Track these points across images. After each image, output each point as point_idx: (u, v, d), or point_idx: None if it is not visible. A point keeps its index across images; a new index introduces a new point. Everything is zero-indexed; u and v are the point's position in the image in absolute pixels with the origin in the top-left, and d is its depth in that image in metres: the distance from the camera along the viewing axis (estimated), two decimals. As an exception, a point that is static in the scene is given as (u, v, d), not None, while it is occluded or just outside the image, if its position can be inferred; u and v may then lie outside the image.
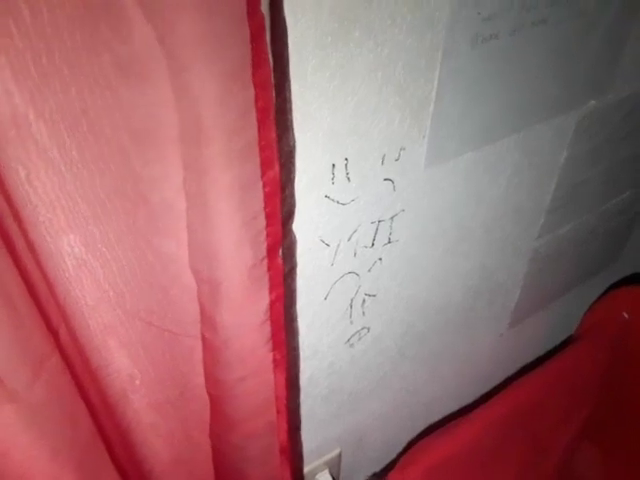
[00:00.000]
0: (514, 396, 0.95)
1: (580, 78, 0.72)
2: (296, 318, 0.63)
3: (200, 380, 0.56)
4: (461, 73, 0.59)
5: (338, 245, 0.64)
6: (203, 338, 0.50)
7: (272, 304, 0.47)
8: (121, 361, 0.50)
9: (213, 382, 0.55)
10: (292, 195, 0.50)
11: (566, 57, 0.68)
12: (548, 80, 0.69)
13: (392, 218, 0.67)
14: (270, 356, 0.52)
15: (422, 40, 0.53)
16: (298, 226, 0.58)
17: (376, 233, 0.67)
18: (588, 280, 1.14)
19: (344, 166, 0.57)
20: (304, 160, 0.53)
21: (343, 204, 0.60)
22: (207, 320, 0.48)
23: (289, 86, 0.42)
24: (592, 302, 1.15)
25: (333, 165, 0.56)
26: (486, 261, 0.87)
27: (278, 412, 0.58)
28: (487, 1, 0.56)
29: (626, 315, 1.04)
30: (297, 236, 0.58)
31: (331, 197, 0.58)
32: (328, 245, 0.63)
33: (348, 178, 0.58)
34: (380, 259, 0.70)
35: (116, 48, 0.31)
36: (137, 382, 0.55)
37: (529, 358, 1.19)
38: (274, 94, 0.35)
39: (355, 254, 0.66)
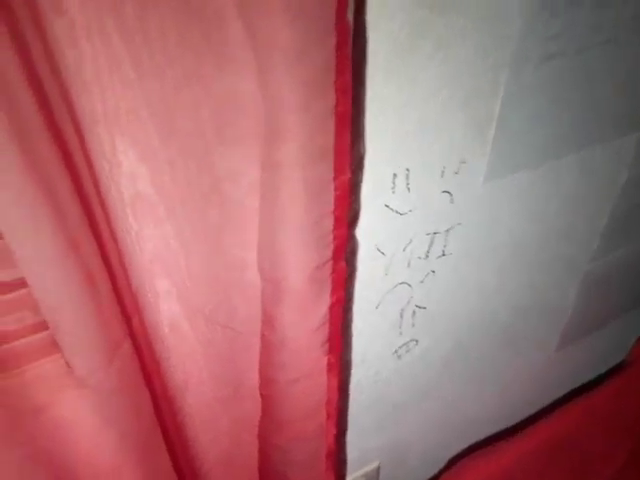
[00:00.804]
0: (559, 423, 0.93)
1: (644, 99, 0.72)
2: (351, 324, 0.64)
3: (254, 379, 0.58)
4: (525, 91, 0.60)
5: (393, 254, 0.64)
6: (262, 336, 0.52)
7: (332, 307, 0.48)
8: (182, 355, 0.52)
9: (266, 382, 0.57)
10: (358, 201, 0.52)
11: (630, 78, 0.68)
12: (610, 101, 0.69)
13: (447, 231, 0.67)
14: (325, 359, 0.53)
15: (488, 58, 0.54)
16: (358, 233, 0.59)
17: (431, 245, 0.67)
18: (641, 307, 1.11)
19: (405, 176, 0.58)
20: (368, 169, 0.54)
21: (401, 214, 0.61)
22: (267, 318, 0.49)
23: (365, 94, 0.44)
24: (645, 330, 1.11)
25: (395, 175, 0.57)
26: (537, 280, 0.87)
27: (328, 416, 0.59)
28: (554, 20, 0.56)
29: (682, 345, 1.01)
30: (358, 243, 0.59)
31: (390, 206, 0.59)
32: (384, 254, 0.63)
33: (408, 188, 0.59)
34: (433, 271, 0.71)
35: (209, 42, 0.33)
36: (194, 378, 0.56)
37: (577, 383, 1.16)
38: (351, 102, 0.37)
39: (409, 265, 0.67)
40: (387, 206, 0.59)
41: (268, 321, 0.50)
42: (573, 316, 0.99)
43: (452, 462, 1.01)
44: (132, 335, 0.46)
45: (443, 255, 0.70)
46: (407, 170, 0.58)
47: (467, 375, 0.92)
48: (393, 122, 0.53)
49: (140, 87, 0.35)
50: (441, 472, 1.00)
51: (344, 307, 0.50)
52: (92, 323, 0.40)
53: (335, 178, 0.40)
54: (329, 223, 0.42)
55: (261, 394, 0.59)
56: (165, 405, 0.56)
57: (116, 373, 0.45)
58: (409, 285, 0.70)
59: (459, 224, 0.68)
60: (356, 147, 0.45)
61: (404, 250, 0.65)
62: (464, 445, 1.07)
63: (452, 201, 0.64)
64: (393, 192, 0.58)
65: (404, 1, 0.46)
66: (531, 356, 1.01)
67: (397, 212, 0.61)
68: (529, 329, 0.95)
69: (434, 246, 0.68)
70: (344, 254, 0.45)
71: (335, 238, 0.43)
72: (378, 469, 0.95)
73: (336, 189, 0.40)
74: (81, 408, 0.43)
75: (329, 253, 0.44)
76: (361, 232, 0.59)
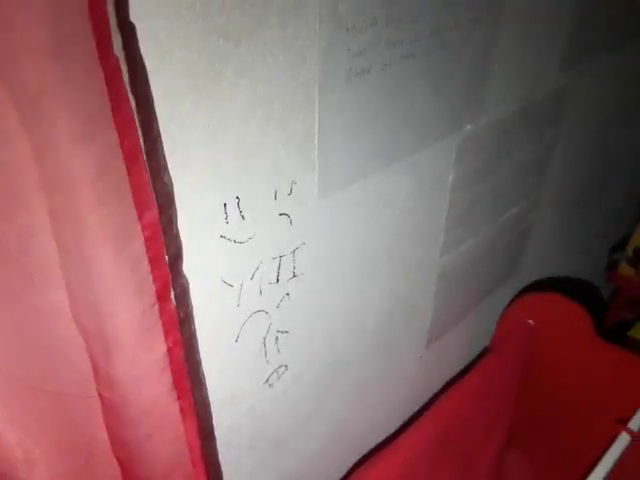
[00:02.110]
0: (438, 415, 0.97)
1: (453, 105, 0.78)
2: (201, 363, 0.61)
3: (105, 443, 0.53)
4: (340, 106, 0.62)
5: (242, 284, 0.63)
6: (101, 397, 0.47)
7: (170, 351, 0.46)
8: (11, 435, 0.46)
9: (120, 444, 0.52)
10: (177, 236, 0.49)
11: (436, 86, 0.73)
12: (423, 109, 0.73)
13: (293, 252, 0.67)
14: (176, 406, 0.50)
15: (296, 77, 0.56)
16: (197, 269, 0.57)
17: (279, 268, 0.67)
18: (495, 291, 1.20)
19: (236, 204, 0.57)
20: (193, 201, 0.52)
21: (241, 242, 0.60)
22: (102, 377, 0.45)
23: (157, 126, 0.42)
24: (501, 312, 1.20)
25: (225, 204, 0.56)
26: (394, 284, 0.90)
27: (194, 465, 0.55)
28: (355, 38, 0.59)
29: (531, 322, 1.10)
30: (197, 279, 0.57)
31: (227, 237, 0.58)
32: (231, 286, 0.62)
33: (242, 216, 0.59)
34: (287, 294, 0.70)
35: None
36: (34, 456, 0.50)
37: (451, 374, 1.22)
38: (141, 135, 0.35)
39: (261, 292, 0.66)
40: (223, 237, 0.58)
41: (103, 378, 0.46)
42: (436, 311, 1.04)
43: (348, 475, 1.01)
44: None
45: (294, 276, 0.69)
46: (237, 198, 0.57)
47: (346, 389, 0.93)
48: (210, 151, 0.51)
49: None
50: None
51: (186, 348, 0.47)
52: None
53: (140, 218, 0.38)
54: (145, 266, 0.40)
55: (117, 457, 0.54)
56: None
57: None
58: (265, 312, 0.68)
59: (304, 243, 0.68)
60: (160, 182, 0.43)
61: (252, 278, 0.64)
62: (357, 457, 1.07)
63: (291, 222, 0.64)
64: (227, 222, 0.57)
65: (196, 31, 0.45)
66: (405, 357, 1.04)
67: (236, 241, 0.60)
68: (398, 332, 0.98)
69: (283, 269, 0.67)
70: (170, 295, 0.43)
71: (155, 280, 0.41)
72: (274, 507, 0.92)
73: (144, 229, 0.38)
74: None
75: (153, 297, 0.42)
76: (201, 268, 0.57)
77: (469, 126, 0.83)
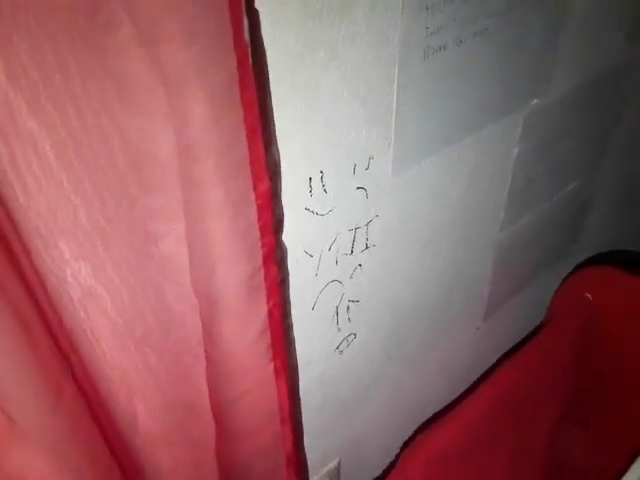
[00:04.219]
0: (496, 386, 0.99)
1: (522, 80, 0.79)
2: (292, 326, 0.65)
3: (205, 400, 0.57)
4: (416, 83, 0.64)
5: (320, 255, 0.67)
6: (206, 354, 0.52)
7: (270, 312, 0.50)
8: (128, 387, 0.51)
9: (217, 400, 0.57)
10: (280, 207, 0.53)
11: (506, 62, 0.74)
12: (493, 84, 0.75)
13: (367, 224, 0.71)
14: (271, 366, 0.54)
15: (380, 56, 0.58)
16: (284, 239, 0.61)
17: (354, 240, 0.70)
18: (553, 266, 1.20)
19: (320, 178, 0.61)
20: (284, 175, 0.56)
21: (322, 215, 0.64)
22: (209, 335, 0.50)
23: (271, 105, 0.45)
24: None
25: (310, 178, 0.59)
26: (456, 257, 0.92)
27: (282, 422, 0.60)
28: (433, 17, 0.61)
29: (589, 296, 1.10)
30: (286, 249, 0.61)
31: (311, 209, 0.62)
32: (312, 256, 0.66)
33: (325, 190, 0.62)
34: (360, 265, 0.74)
35: (114, 71, 0.34)
36: (143, 408, 0.55)
37: (506, 347, 1.24)
38: (259, 113, 0.39)
39: (337, 262, 0.70)
40: (307, 209, 0.61)
41: (210, 337, 0.50)
42: (494, 284, 1.06)
43: (406, 444, 1.05)
44: (74, 378, 0.45)
45: (367, 248, 0.73)
46: (321, 172, 0.60)
47: (407, 358, 0.96)
48: (300, 128, 0.55)
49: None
50: (399, 454, 1.04)
51: (282, 312, 0.51)
52: (30, 371, 0.39)
53: (255, 188, 0.41)
54: (256, 232, 0.44)
55: (213, 412, 0.59)
56: (118, 442, 0.55)
57: (61, 419, 0.44)
58: (339, 282, 0.72)
59: (377, 216, 0.71)
60: (270, 156, 0.47)
61: (330, 249, 0.67)
62: (415, 426, 1.11)
63: (367, 196, 0.67)
64: (311, 195, 0.61)
65: (296, 14, 0.48)
66: (463, 329, 1.07)
67: (318, 214, 0.63)
68: (457, 304, 1.00)
69: (357, 241, 0.71)
70: (274, 260, 0.47)
71: (263, 246, 0.45)
72: (339, 465, 0.97)
73: (257, 199, 0.42)
74: (32, 461, 0.42)
75: (260, 261, 0.45)
76: (287, 237, 0.61)
77: (535, 101, 0.84)
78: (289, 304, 0.62)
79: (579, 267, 1.24)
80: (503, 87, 0.77)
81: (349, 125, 0.60)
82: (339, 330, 0.78)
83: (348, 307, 0.77)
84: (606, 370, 1.15)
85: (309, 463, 0.89)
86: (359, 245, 0.72)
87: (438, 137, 0.72)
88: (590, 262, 1.25)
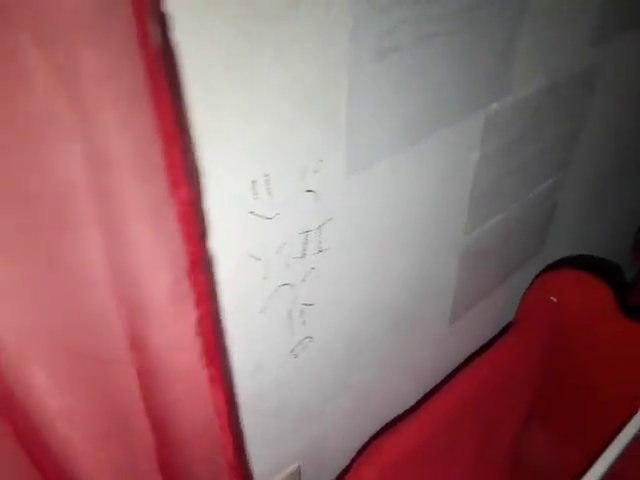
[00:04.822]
0: (461, 386, 0.99)
1: (482, 82, 0.78)
2: (227, 333, 0.64)
3: (140, 406, 0.56)
4: (368, 85, 0.63)
5: (268, 258, 0.65)
6: (136, 362, 0.51)
7: (200, 320, 0.48)
8: (53, 398, 0.50)
9: (151, 406, 0.56)
10: (206, 212, 0.52)
11: (464, 64, 0.73)
12: (451, 86, 0.74)
13: (319, 228, 0.69)
14: (205, 373, 0.52)
15: (327, 57, 0.57)
16: (226, 243, 0.59)
17: (305, 243, 0.69)
18: (521, 268, 1.20)
19: (265, 182, 0.59)
20: (226, 178, 0.55)
21: (269, 218, 0.62)
22: (136, 343, 0.48)
23: (187, 108, 0.44)
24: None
25: (254, 181, 0.58)
26: (419, 260, 0.91)
27: (221, 429, 0.59)
28: (385, 18, 0.59)
29: (554, 299, 1.10)
30: (226, 252, 0.60)
31: (256, 212, 0.60)
32: (259, 259, 0.64)
33: (270, 193, 0.60)
34: (313, 268, 0.72)
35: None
36: (75, 419, 0.54)
37: (473, 349, 1.24)
38: (174, 117, 0.37)
39: (287, 265, 0.68)
40: (252, 213, 0.60)
41: (138, 346, 0.49)
42: (460, 288, 1.05)
43: (367, 444, 1.04)
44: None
45: (320, 251, 0.71)
46: (266, 175, 0.59)
47: (370, 362, 0.95)
48: (243, 129, 0.53)
49: None
50: (356, 457, 1.03)
51: (215, 319, 0.50)
52: None
53: (174, 195, 0.40)
54: (178, 239, 0.42)
55: (150, 419, 0.58)
56: (48, 458, 0.53)
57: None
58: (291, 285, 0.71)
59: (330, 219, 0.70)
60: (190, 160, 0.45)
61: (278, 252, 0.66)
62: (378, 427, 1.10)
63: (317, 199, 0.66)
64: (255, 198, 0.59)
65: (236, 12, 0.47)
66: (429, 332, 1.06)
67: (264, 217, 0.62)
68: (421, 307, 0.99)
69: (309, 244, 0.70)
70: (201, 267, 0.45)
71: (187, 254, 0.43)
72: (299, 470, 0.96)
73: (177, 205, 0.40)
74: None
75: (184, 269, 0.44)
76: (230, 241, 0.60)
77: (496, 104, 0.83)
78: (222, 310, 0.60)
79: (545, 270, 1.24)
80: (462, 89, 0.76)
81: (297, 126, 0.58)
82: (293, 333, 0.76)
83: (302, 310, 0.75)
84: (569, 371, 1.15)
85: (266, 468, 0.88)
86: (312, 248, 0.70)
87: (394, 139, 0.71)
88: (557, 265, 1.25)
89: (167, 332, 0.47)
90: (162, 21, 0.37)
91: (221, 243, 0.58)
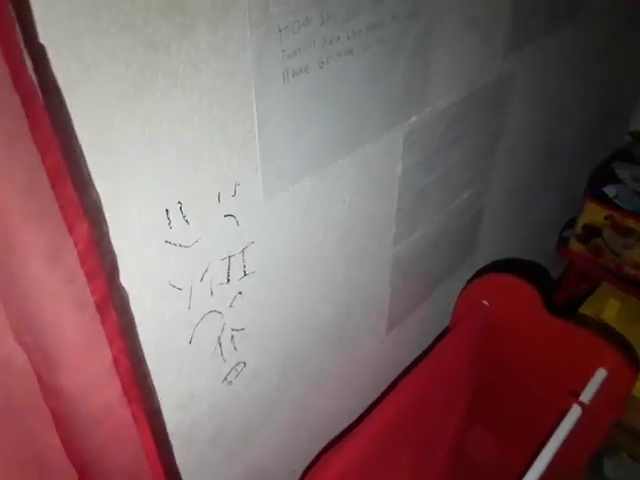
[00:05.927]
0: (397, 399, 0.99)
1: (395, 98, 0.79)
2: (149, 369, 0.62)
3: (60, 453, 0.53)
4: (279, 107, 0.62)
5: (191, 287, 0.64)
6: (50, 408, 0.48)
7: (116, 359, 0.46)
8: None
9: (73, 452, 0.53)
10: (111, 248, 0.50)
11: (376, 81, 0.74)
12: (364, 104, 0.75)
13: (243, 251, 0.68)
14: (127, 413, 0.50)
15: (232, 81, 0.56)
16: (144, 275, 0.57)
17: (229, 268, 0.68)
18: (452, 276, 1.23)
19: (179, 209, 0.58)
20: (136, 209, 0.53)
21: (187, 246, 0.61)
22: (48, 388, 0.46)
23: (79, 144, 0.42)
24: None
25: (167, 210, 0.57)
26: (350, 274, 0.92)
27: (151, 467, 0.56)
28: (289, 39, 0.60)
29: (486, 302, 1.13)
30: (145, 285, 0.58)
31: (172, 242, 0.59)
32: (180, 289, 0.63)
33: (186, 221, 0.59)
34: (240, 293, 0.71)
35: None
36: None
37: (413, 356, 1.25)
38: (62, 152, 0.36)
39: (212, 293, 0.67)
40: (168, 242, 0.58)
41: (50, 391, 0.46)
42: (393, 298, 1.06)
43: (314, 461, 1.03)
44: None
45: (245, 275, 0.71)
46: (179, 203, 0.58)
47: (307, 380, 0.95)
48: (148, 159, 0.52)
49: None
50: (305, 474, 1.02)
51: (133, 356, 0.48)
52: None
53: (71, 233, 0.38)
54: (81, 278, 0.40)
55: (73, 465, 0.55)
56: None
57: None
58: (218, 312, 0.69)
59: (253, 243, 0.69)
60: (87, 196, 0.44)
61: (202, 280, 0.65)
62: (323, 444, 1.10)
63: (238, 223, 0.65)
64: (170, 227, 0.58)
65: (124, 42, 0.45)
66: (365, 344, 1.07)
67: (182, 245, 0.60)
68: (356, 320, 1.00)
69: (233, 269, 0.68)
70: (110, 305, 0.44)
71: (93, 292, 0.41)
72: (242, 496, 0.94)
73: (76, 243, 0.39)
74: None
75: (92, 308, 0.42)
76: (148, 273, 0.58)
77: (414, 117, 0.85)
78: (140, 347, 0.58)
79: (476, 275, 1.27)
80: (378, 106, 0.77)
81: (205, 152, 0.58)
82: (225, 361, 0.75)
83: (232, 336, 0.74)
84: (504, 372, 1.18)
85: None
86: (236, 273, 0.69)
87: (312, 159, 0.71)
88: (487, 270, 1.29)
89: (80, 374, 0.45)
90: (39, 54, 0.36)
91: (136, 276, 0.56)
